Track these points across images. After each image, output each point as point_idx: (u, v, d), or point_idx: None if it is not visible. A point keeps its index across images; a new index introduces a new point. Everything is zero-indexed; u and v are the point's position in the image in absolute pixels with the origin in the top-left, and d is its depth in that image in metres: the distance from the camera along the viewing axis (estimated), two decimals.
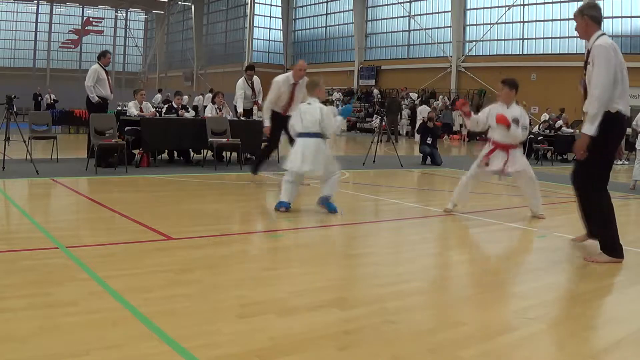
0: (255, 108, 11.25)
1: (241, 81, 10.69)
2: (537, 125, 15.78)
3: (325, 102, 8.86)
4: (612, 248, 4.31)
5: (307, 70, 7.66)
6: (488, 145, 6.08)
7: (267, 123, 7.54)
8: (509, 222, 5.83)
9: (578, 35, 4.29)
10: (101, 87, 9.51)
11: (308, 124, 5.71)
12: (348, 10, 35.35)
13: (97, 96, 9.42)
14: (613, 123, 4.14)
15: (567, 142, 15.11)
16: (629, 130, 17.41)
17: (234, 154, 10.49)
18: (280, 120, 7.50)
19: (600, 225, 4.36)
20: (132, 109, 9.80)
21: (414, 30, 31.70)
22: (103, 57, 9.76)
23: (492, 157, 5.99)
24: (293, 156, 5.77)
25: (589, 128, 4.07)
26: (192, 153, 10.51)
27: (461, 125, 26.13)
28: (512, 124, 5.82)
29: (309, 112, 5.74)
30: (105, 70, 9.67)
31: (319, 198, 5.84)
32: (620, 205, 7.92)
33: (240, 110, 10.47)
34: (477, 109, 29.64)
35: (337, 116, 5.86)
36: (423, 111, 22.17)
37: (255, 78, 10.92)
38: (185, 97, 18.00)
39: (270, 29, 41.35)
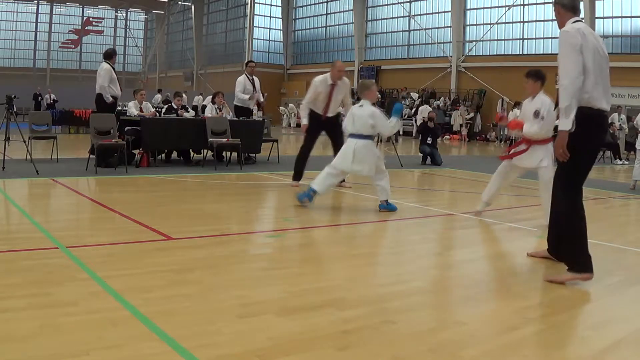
0: (255, 108, 11.30)
1: (242, 77, 10.89)
2: None
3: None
4: (583, 265, 3.72)
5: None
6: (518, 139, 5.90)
7: (304, 121, 7.50)
8: (509, 222, 5.83)
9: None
10: (114, 86, 9.60)
11: (359, 127, 5.84)
12: (348, 10, 35.34)
13: (111, 96, 9.50)
14: (589, 121, 3.64)
15: None
16: (624, 130, 17.48)
17: (234, 154, 10.50)
18: (317, 121, 7.51)
19: (569, 239, 3.82)
20: (132, 109, 9.80)
21: (414, 30, 31.68)
22: (114, 55, 9.89)
23: (516, 149, 5.75)
24: (344, 155, 5.97)
25: (564, 123, 3.58)
26: (192, 153, 10.51)
27: (461, 125, 26.15)
28: (529, 120, 5.55)
29: (360, 115, 5.86)
30: (114, 69, 9.76)
31: (379, 205, 6.10)
32: (621, 205, 7.93)
33: (244, 97, 10.75)
34: (477, 109, 29.46)
35: (392, 117, 5.95)
36: (423, 111, 22.17)
37: (255, 78, 11.00)
38: (184, 97, 18.03)
39: (270, 29, 41.33)
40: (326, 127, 7.63)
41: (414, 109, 26.06)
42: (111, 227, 4.89)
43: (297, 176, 7.77)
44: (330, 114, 7.54)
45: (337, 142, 7.53)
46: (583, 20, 3.86)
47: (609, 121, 16.97)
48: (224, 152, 10.42)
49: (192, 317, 2.79)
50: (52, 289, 3.09)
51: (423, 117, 17.40)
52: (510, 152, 5.84)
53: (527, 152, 5.62)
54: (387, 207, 6.06)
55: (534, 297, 3.40)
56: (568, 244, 3.83)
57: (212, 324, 2.72)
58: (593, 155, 3.83)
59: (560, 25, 3.87)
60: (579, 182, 3.81)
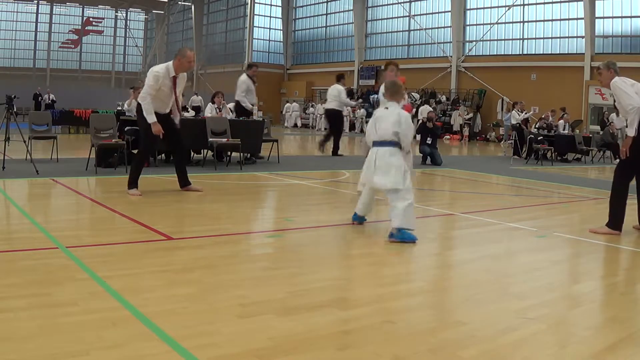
0: (255, 108, 11.38)
1: (244, 77, 11.23)
2: (534, 125, 15.78)
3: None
4: (616, 223, 5.30)
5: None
6: None
7: (154, 119, 6.52)
8: (509, 222, 5.83)
9: (601, 83, 5.57)
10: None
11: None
12: (348, 10, 35.34)
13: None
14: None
15: (567, 143, 15.08)
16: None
17: (234, 154, 10.50)
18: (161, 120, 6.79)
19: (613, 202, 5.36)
20: (132, 109, 9.79)
21: (414, 30, 31.69)
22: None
23: None
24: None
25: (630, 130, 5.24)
26: (192, 153, 10.50)
27: (461, 125, 26.15)
28: None
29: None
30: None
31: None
32: None
33: (248, 106, 11.06)
34: (477, 109, 29.47)
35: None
36: (424, 111, 22.17)
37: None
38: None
39: (270, 29, 41.33)
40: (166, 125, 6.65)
41: (414, 109, 26.08)
42: (111, 227, 4.89)
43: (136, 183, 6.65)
44: (168, 110, 6.73)
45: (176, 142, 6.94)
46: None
47: (609, 121, 17.01)
48: (224, 152, 10.43)
49: (192, 317, 2.79)
50: (52, 289, 3.09)
51: (423, 118, 17.37)
52: None
53: None
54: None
55: (534, 297, 3.40)
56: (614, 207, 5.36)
57: (211, 324, 2.72)
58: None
59: (607, 82, 5.40)
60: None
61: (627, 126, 5.35)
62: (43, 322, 2.62)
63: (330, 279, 3.66)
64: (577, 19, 24.38)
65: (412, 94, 30.27)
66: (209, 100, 11.27)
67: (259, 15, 39.86)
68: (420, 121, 15.76)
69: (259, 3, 39.78)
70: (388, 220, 4.87)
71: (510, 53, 26.94)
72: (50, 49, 48.51)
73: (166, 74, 6.46)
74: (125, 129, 9.33)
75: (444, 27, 29.86)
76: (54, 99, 25.63)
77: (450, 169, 11.54)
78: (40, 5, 48.07)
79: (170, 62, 6.54)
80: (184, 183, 6.95)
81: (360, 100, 27.75)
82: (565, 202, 7.88)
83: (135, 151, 9.48)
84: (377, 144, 5.00)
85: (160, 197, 6.70)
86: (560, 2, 25.17)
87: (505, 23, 27.23)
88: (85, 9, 50.58)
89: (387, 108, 5.03)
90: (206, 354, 2.37)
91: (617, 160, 15.40)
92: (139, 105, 6.62)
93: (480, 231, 5.50)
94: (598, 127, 20.10)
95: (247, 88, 10.98)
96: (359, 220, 5.35)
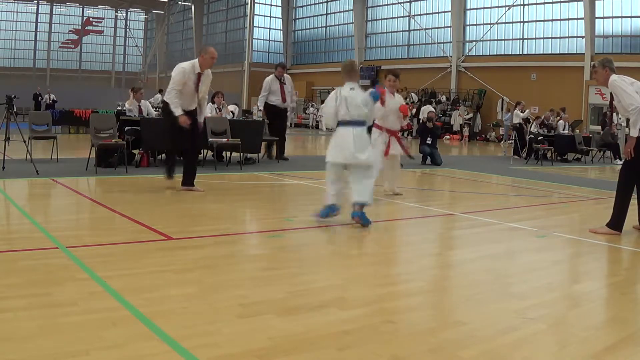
0: (255, 108, 11.41)
1: (269, 77, 11.40)
2: (532, 124, 15.77)
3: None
4: (617, 224, 5.31)
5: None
6: None
7: (179, 112, 6.69)
8: (509, 222, 5.83)
9: (597, 81, 5.48)
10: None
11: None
12: (348, 10, 35.35)
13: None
14: None
15: (567, 143, 15.08)
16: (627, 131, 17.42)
17: (234, 154, 10.49)
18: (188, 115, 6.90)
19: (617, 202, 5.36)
20: (134, 109, 9.79)
21: (414, 30, 31.69)
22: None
23: None
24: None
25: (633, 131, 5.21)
26: None
27: (461, 125, 26.14)
28: None
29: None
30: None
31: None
32: None
33: (260, 107, 11.16)
34: (477, 109, 29.43)
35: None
36: (425, 111, 22.16)
37: (287, 76, 11.64)
38: None
39: (270, 29, 41.36)
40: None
41: (414, 110, 26.10)
42: (111, 227, 4.89)
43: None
44: (193, 107, 6.84)
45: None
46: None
47: (610, 121, 17.03)
48: (224, 152, 10.42)
49: (192, 317, 2.79)
50: (52, 289, 3.09)
51: (423, 118, 17.41)
52: None
53: None
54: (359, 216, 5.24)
55: (534, 297, 3.40)
56: (617, 208, 5.36)
57: (212, 324, 2.72)
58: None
59: (603, 81, 5.35)
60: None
61: (627, 126, 5.36)
62: (43, 322, 2.62)
63: (330, 279, 3.66)
64: (577, 19, 24.38)
65: (412, 94, 30.42)
66: (209, 100, 11.23)
67: (259, 15, 39.86)
68: (420, 121, 15.77)
69: (259, 3, 39.76)
70: (389, 220, 4.89)
71: (510, 53, 26.93)
72: (50, 49, 48.55)
73: (192, 69, 6.63)
74: (125, 129, 9.33)
75: (444, 27, 29.85)
76: (55, 98, 25.61)
77: (450, 169, 11.54)
78: (40, 5, 48.10)
79: (196, 60, 6.74)
80: (188, 183, 6.93)
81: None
82: (565, 202, 7.88)
83: (135, 151, 9.51)
84: (352, 123, 5.17)
85: (161, 197, 6.70)
86: (560, 2, 25.17)
87: (505, 23, 27.22)
88: (85, 9, 50.61)
89: (352, 89, 5.23)
90: (206, 354, 2.37)
91: (617, 160, 15.58)
92: (164, 103, 6.80)
93: (480, 231, 5.50)
94: (598, 127, 20.10)
95: (268, 88, 11.15)
96: (335, 210, 5.31)
